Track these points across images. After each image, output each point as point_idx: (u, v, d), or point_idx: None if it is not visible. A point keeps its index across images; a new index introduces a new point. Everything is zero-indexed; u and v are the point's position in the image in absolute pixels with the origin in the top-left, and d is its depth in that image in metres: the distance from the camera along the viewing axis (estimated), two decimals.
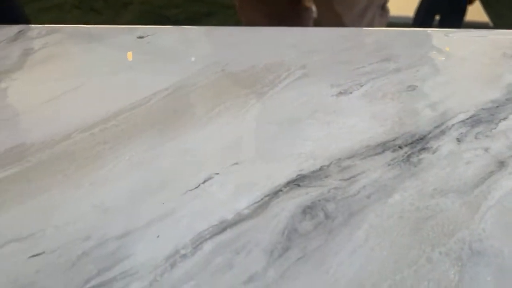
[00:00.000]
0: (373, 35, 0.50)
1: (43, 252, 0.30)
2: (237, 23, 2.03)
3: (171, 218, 0.32)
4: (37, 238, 0.31)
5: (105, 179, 0.35)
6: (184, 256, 0.30)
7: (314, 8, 1.10)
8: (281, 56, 0.47)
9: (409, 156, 0.36)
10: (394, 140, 0.37)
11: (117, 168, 0.36)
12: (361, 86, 0.43)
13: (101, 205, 0.33)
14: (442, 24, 1.49)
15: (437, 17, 1.49)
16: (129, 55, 0.47)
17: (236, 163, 0.36)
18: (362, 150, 0.36)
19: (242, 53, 0.47)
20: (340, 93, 0.42)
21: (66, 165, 0.36)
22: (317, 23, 1.03)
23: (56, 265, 0.29)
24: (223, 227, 0.31)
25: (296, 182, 0.34)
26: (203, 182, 0.34)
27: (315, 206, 0.32)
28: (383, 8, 0.92)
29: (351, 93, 0.42)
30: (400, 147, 0.37)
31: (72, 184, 0.34)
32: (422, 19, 1.51)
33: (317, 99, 0.42)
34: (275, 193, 0.33)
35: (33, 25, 0.53)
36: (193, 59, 0.46)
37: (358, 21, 0.92)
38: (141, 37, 0.50)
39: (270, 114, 0.40)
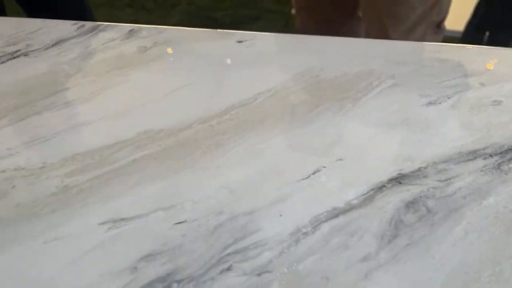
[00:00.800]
0: (454, 51, 0.53)
1: (185, 221, 0.35)
2: (281, 28, 2.08)
3: (289, 202, 0.37)
4: (178, 209, 0.36)
5: (227, 164, 0.40)
6: (305, 234, 0.34)
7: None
8: (370, 65, 0.51)
9: (499, 165, 0.39)
10: (484, 149, 0.41)
11: (236, 156, 0.41)
12: (449, 98, 0.47)
13: (226, 186, 0.38)
14: (491, 42, 1.48)
15: (487, 34, 1.49)
16: (230, 58, 0.53)
17: (340, 159, 0.40)
18: (455, 156, 0.40)
19: (333, 61, 0.52)
20: (430, 103, 0.46)
21: (192, 151, 0.41)
22: (366, 35, 1.07)
23: (197, 232, 0.35)
24: (336, 213, 0.36)
25: (398, 179, 0.38)
26: (313, 173, 0.39)
27: (416, 201, 0.36)
28: (439, 26, 0.94)
29: (439, 103, 0.46)
30: (491, 156, 0.40)
31: (200, 167, 0.40)
32: (472, 35, 1.51)
33: (408, 107, 0.46)
34: (379, 188, 0.38)
35: (142, 25, 0.59)
36: (288, 64, 0.51)
37: (406, 37, 0.95)
38: (240, 42, 0.55)
39: (366, 117, 0.44)
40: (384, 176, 0.39)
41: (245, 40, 0.55)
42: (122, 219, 0.36)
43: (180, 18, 2.22)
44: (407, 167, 0.39)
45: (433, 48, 0.54)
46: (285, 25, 2.07)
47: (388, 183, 0.38)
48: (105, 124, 0.44)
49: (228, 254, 0.33)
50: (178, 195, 0.38)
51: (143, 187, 0.38)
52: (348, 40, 0.54)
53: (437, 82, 0.49)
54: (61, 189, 0.38)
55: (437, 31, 0.97)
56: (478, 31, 1.54)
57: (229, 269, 0.32)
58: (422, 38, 0.94)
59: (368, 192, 0.37)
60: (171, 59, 0.53)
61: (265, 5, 2.24)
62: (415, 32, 0.93)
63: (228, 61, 0.52)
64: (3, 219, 0.36)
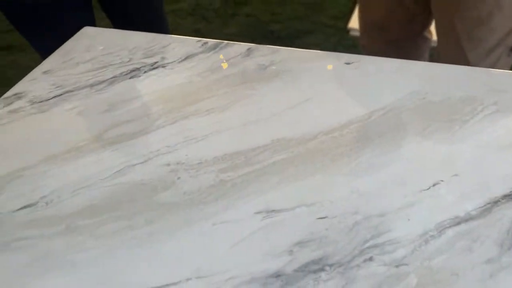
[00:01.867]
0: None
1: (326, 217, 0.42)
2: (336, 43, 2.13)
3: (414, 208, 0.43)
4: (318, 206, 0.43)
5: (354, 172, 0.46)
6: (432, 236, 0.40)
7: (433, 38, 1.17)
8: (473, 91, 0.56)
9: None
10: None
11: (361, 165, 0.47)
12: None
13: (357, 191, 0.45)
14: None
15: None
16: (341, 78, 0.59)
17: (456, 175, 0.46)
18: None
19: (437, 85, 0.57)
20: None
21: (321, 158, 0.48)
22: (436, 54, 1.10)
23: (338, 227, 0.41)
24: (458, 221, 0.41)
25: (511, 196, 0.43)
26: (433, 186, 0.45)
27: None
28: None
29: None
30: None
31: (330, 172, 0.47)
32: None
33: None
34: (495, 202, 0.43)
35: (258, 45, 0.67)
36: (397, 87, 0.57)
37: (483, 59, 0.98)
38: (348, 63, 0.62)
39: (475, 138, 0.50)
40: (498, 192, 0.44)
41: (352, 62, 0.62)
42: (273, 211, 0.43)
43: (239, 28, 2.33)
44: None
45: None
46: (339, 40, 2.12)
47: (502, 199, 0.43)
48: (243, 130, 0.52)
49: (368, 247, 0.39)
50: (316, 194, 0.44)
51: (285, 185, 0.45)
52: (450, 67, 0.60)
53: None
54: (218, 182, 0.46)
55: (510, 54, 0.99)
56: None
57: (371, 259, 0.38)
58: (497, 61, 0.97)
59: (484, 205, 0.43)
60: (289, 76, 0.60)
61: (321, 20, 2.31)
62: (491, 55, 0.96)
63: (338, 80, 0.59)
64: (174, 203, 0.45)
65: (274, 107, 0.56)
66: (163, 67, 0.64)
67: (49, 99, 0.58)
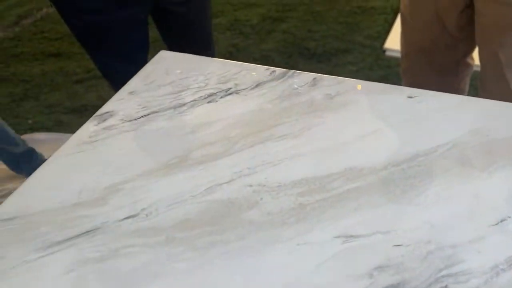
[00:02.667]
0: None
1: (401, 245, 0.46)
2: (372, 62, 2.17)
3: (484, 242, 0.46)
4: (393, 235, 0.47)
5: (425, 204, 0.50)
6: (503, 270, 0.43)
7: (474, 63, 1.18)
8: None
9: None
10: None
11: (431, 197, 0.51)
12: None
13: (428, 221, 0.48)
14: None
15: None
16: (405, 111, 0.63)
17: None
18: None
19: (499, 123, 0.60)
20: None
21: (393, 188, 0.52)
22: (479, 82, 1.12)
23: (413, 255, 0.45)
24: None
25: None
26: (501, 221, 0.48)
27: None
28: None
29: None
30: None
31: (402, 202, 0.51)
32: None
33: None
34: None
35: (323, 75, 0.72)
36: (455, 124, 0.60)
37: None
38: (410, 97, 0.66)
39: None
40: None
41: (415, 96, 0.66)
42: (351, 236, 0.47)
43: (276, 45, 2.40)
44: None
45: None
46: (375, 60, 2.15)
47: None
48: (316, 157, 0.57)
49: (443, 276, 0.43)
50: (390, 223, 0.48)
51: (361, 212, 0.50)
52: (510, 105, 0.63)
53: None
54: (298, 205, 0.51)
55: None
56: None
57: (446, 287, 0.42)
58: None
59: None
60: (355, 107, 0.65)
61: (357, 39, 2.35)
62: None
63: (405, 113, 0.63)
64: (260, 222, 0.50)
65: (343, 136, 0.60)
66: (236, 93, 0.69)
67: (137, 118, 0.65)
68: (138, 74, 0.75)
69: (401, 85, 1.31)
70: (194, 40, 1.32)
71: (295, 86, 0.70)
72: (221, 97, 0.69)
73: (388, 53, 2.17)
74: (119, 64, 1.21)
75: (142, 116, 0.66)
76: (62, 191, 0.55)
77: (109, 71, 1.26)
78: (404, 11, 1.08)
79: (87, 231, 0.49)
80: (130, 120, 0.65)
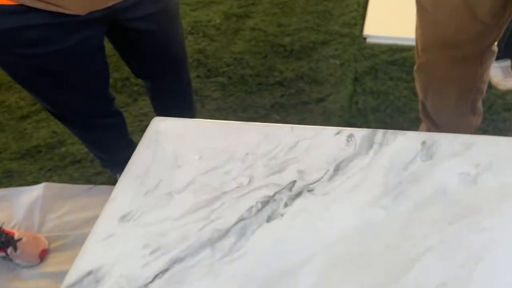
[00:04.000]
0: None
1: None
2: (356, 53, 2.00)
3: None
4: None
5: None
6: None
7: (496, 49, 1.05)
8: None
9: None
10: None
11: None
12: None
13: None
14: None
15: None
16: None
17: None
18: None
19: None
20: None
21: None
22: None
23: None
24: None
25: None
26: None
27: None
28: None
29: None
30: None
31: None
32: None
33: None
34: None
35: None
36: None
37: None
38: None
39: None
40: None
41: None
42: None
43: (247, 45, 2.17)
44: None
45: None
46: (359, 50, 1.98)
47: None
48: None
49: None
50: None
51: None
52: None
53: None
54: None
55: None
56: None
57: None
58: None
59: None
60: None
61: (333, 28, 2.17)
62: None
63: None
64: None
65: None
66: (309, 192, 0.47)
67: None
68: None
69: (415, 83, 1.17)
70: (164, 61, 1.07)
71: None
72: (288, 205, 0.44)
73: (369, 40, 2.02)
74: (76, 103, 0.94)
75: (156, 277, 0.38)
76: None
77: (65, 112, 0.99)
78: (424, 2, 0.90)
79: None
80: None
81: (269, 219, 0.41)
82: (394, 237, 0.38)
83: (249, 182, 0.44)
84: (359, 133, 0.47)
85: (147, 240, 0.41)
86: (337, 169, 0.44)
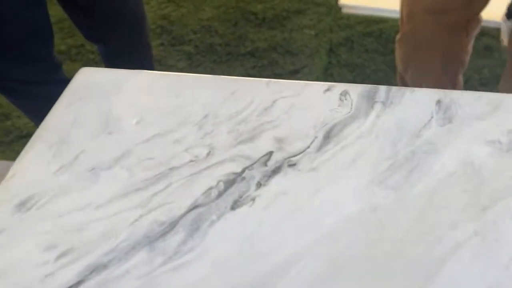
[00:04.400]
0: None
1: None
2: (331, 23, 1.88)
3: None
4: None
5: None
6: None
7: (482, 19, 1.02)
8: None
9: None
10: None
11: None
12: None
13: None
14: None
15: None
16: None
17: None
18: None
19: None
20: None
21: None
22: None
23: None
24: None
25: None
26: None
27: None
28: None
29: None
30: None
31: None
32: None
33: None
34: None
35: None
36: None
37: None
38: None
39: None
40: None
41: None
42: None
43: (216, 11, 2.00)
44: None
45: None
46: (334, 20, 1.87)
47: None
48: None
49: None
50: None
51: None
52: None
53: None
54: None
55: None
56: None
57: None
58: None
59: None
60: None
61: None
62: None
63: None
64: None
65: None
66: (290, 166, 0.34)
67: None
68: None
69: (395, 52, 1.09)
70: (119, 21, 0.91)
71: None
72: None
73: (345, 10, 1.91)
74: (13, 65, 0.78)
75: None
76: None
77: (1, 77, 0.82)
78: None
79: None
80: None
81: (234, 206, 0.29)
82: (409, 229, 0.27)
83: (208, 155, 0.31)
84: (356, 89, 0.35)
85: (54, 238, 0.28)
86: (327, 137, 0.32)
